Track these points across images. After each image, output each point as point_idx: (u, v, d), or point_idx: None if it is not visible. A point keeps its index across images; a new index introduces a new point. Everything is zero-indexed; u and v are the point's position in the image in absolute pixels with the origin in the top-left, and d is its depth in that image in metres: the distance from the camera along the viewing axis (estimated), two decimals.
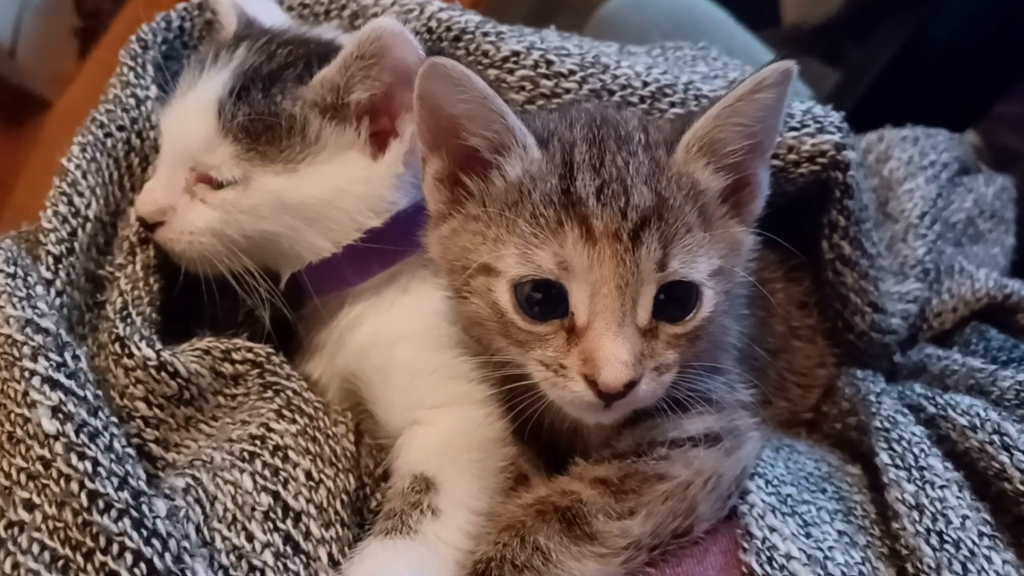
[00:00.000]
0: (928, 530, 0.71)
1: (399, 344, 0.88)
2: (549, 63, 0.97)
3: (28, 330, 0.75)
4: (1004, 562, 0.68)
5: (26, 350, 0.74)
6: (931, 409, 0.84)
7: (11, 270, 0.82)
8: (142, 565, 0.64)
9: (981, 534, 0.70)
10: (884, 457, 0.79)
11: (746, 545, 0.73)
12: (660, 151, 0.74)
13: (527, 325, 0.72)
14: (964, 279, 1.10)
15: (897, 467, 0.77)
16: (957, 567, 0.67)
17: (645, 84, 0.97)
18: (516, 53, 0.98)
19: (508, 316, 0.72)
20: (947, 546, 0.69)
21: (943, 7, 1.63)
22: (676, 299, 0.72)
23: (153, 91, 0.98)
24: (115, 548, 0.65)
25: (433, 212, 0.79)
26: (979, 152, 1.77)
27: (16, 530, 0.67)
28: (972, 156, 1.38)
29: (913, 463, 0.77)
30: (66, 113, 2.40)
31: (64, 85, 2.39)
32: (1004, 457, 0.74)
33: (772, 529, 0.73)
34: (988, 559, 0.68)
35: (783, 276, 1.01)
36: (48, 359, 0.74)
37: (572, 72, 0.97)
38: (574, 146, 0.74)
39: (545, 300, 0.71)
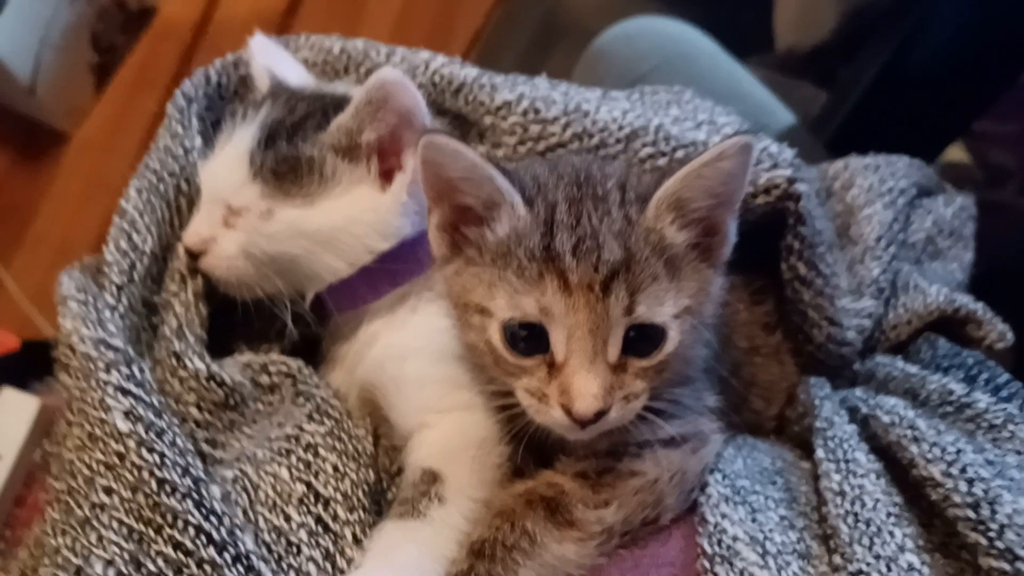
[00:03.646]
0: (847, 512, 0.78)
1: (409, 359, 0.95)
2: (536, 111, 1.08)
3: (101, 347, 0.86)
4: (904, 536, 0.75)
5: (100, 364, 0.84)
6: (864, 410, 0.91)
7: (83, 297, 0.92)
8: (202, 536, 0.75)
9: (889, 514, 0.77)
10: (820, 452, 0.86)
11: (701, 529, 0.79)
12: (633, 208, 0.80)
13: (515, 359, 0.79)
14: (917, 294, 1.13)
15: (829, 460, 0.84)
16: (865, 540, 0.74)
17: (620, 128, 1.07)
18: (508, 103, 1.09)
19: (499, 351, 0.80)
20: (859, 524, 0.76)
21: (925, 26, 1.63)
22: (644, 337, 0.78)
23: (198, 141, 1.08)
24: (180, 523, 0.75)
25: (437, 256, 0.86)
26: (970, 171, 1.78)
27: (99, 510, 0.78)
28: (933, 179, 1.38)
29: (842, 456, 0.84)
30: (83, 146, 2.44)
31: (81, 118, 2.41)
32: (914, 448, 0.81)
33: (724, 516, 0.79)
34: (891, 533, 0.75)
35: (748, 298, 1.07)
36: (119, 371, 0.84)
37: (556, 119, 1.08)
38: (556, 206, 0.80)
39: (530, 338, 0.78)
